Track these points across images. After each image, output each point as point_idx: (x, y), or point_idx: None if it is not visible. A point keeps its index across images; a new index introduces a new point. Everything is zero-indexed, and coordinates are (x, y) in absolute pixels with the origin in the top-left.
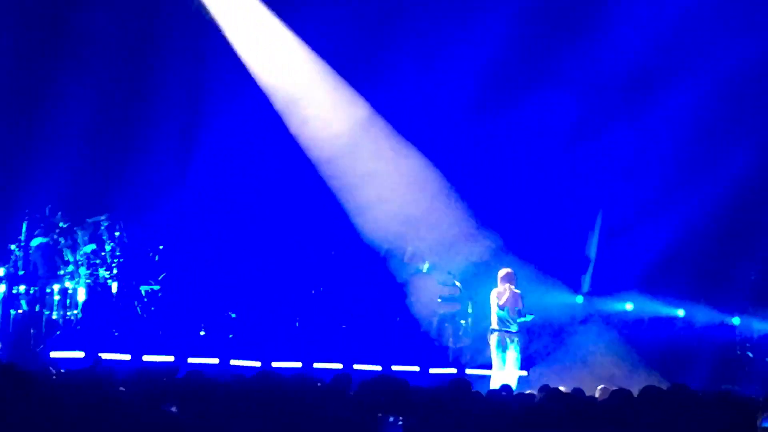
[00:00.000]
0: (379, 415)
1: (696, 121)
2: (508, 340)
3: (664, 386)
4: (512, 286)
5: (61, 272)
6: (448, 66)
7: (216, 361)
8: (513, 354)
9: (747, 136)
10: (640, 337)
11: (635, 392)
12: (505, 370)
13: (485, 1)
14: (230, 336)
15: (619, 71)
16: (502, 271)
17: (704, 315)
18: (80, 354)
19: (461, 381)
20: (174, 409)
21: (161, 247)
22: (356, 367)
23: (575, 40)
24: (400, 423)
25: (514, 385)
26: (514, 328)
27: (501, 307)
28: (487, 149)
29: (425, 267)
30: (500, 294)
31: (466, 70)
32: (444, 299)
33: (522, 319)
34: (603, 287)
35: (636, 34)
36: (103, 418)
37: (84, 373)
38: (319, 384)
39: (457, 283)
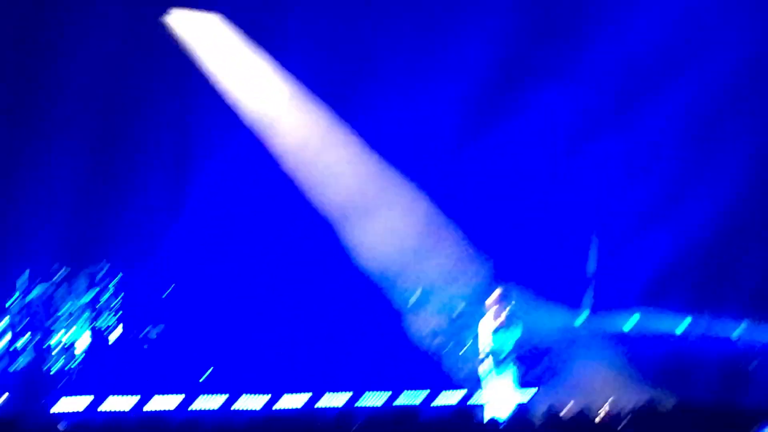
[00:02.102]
0: None
1: (694, 122)
2: (501, 365)
3: (670, 402)
4: (500, 309)
5: (61, 322)
6: (431, 84)
7: (223, 398)
8: (509, 378)
9: (747, 134)
10: (643, 353)
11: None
12: (500, 395)
13: (470, 9)
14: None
15: (611, 72)
16: (492, 295)
17: (708, 326)
18: (84, 402)
19: (465, 409)
20: None
21: (166, 292)
22: (363, 396)
23: (565, 43)
24: None
25: (511, 410)
26: (506, 350)
27: (494, 331)
28: (477, 168)
29: (416, 296)
30: (491, 320)
31: (452, 85)
32: (442, 328)
33: (514, 337)
34: (604, 304)
35: (629, 31)
36: None
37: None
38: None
39: (457, 309)
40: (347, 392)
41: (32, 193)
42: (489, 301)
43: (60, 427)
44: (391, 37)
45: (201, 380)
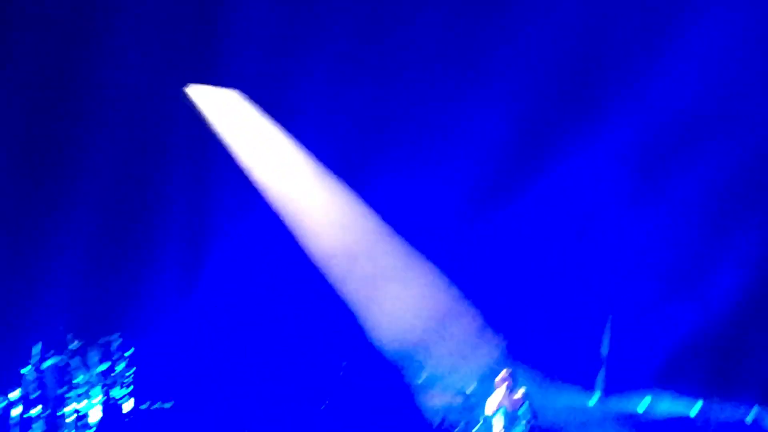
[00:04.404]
0: None
1: (707, 203)
2: None
3: None
4: (510, 388)
5: (74, 393)
6: (447, 166)
7: None
8: None
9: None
10: None
11: None
12: None
13: (480, 91)
14: None
15: (621, 149)
16: (500, 375)
17: (720, 410)
18: None
19: None
20: None
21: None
22: None
23: (576, 127)
24: None
25: None
26: (520, 429)
27: (504, 412)
28: (491, 246)
29: (422, 378)
30: (500, 400)
31: (466, 171)
32: (453, 406)
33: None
34: (617, 386)
35: (643, 108)
36: None
37: None
38: None
39: (469, 389)
40: None
41: (47, 264)
42: (498, 380)
43: None
44: (407, 111)
45: None
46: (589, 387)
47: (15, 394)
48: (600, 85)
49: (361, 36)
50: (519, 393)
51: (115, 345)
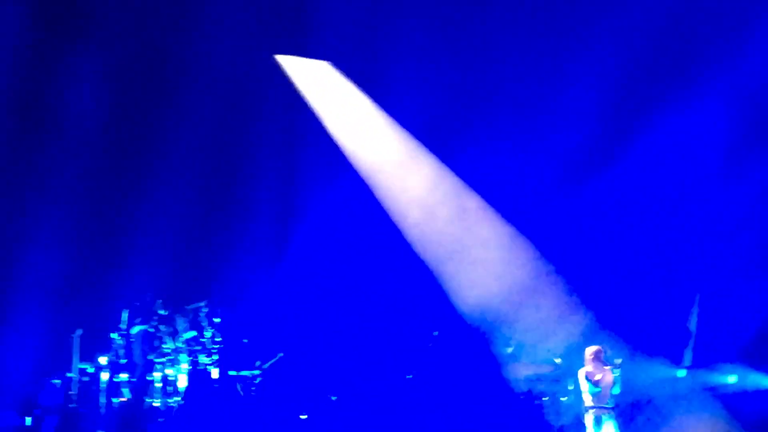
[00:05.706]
0: None
1: None
2: (603, 417)
3: None
4: (600, 361)
5: (162, 359)
6: (537, 140)
7: None
8: (610, 429)
9: None
10: (745, 410)
11: None
12: None
13: (573, 68)
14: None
15: (717, 128)
16: (591, 349)
17: None
18: None
19: None
20: None
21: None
22: None
23: (669, 100)
24: None
25: None
26: (610, 403)
27: (595, 385)
28: (581, 222)
29: (509, 350)
30: (590, 373)
31: (558, 143)
32: (541, 377)
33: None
34: (705, 360)
35: (737, 81)
36: None
37: None
38: None
39: (557, 361)
40: None
41: (137, 231)
42: (588, 353)
43: None
44: (497, 83)
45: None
46: (677, 361)
47: (104, 360)
48: (695, 57)
49: (454, 6)
50: (611, 368)
51: (203, 312)
